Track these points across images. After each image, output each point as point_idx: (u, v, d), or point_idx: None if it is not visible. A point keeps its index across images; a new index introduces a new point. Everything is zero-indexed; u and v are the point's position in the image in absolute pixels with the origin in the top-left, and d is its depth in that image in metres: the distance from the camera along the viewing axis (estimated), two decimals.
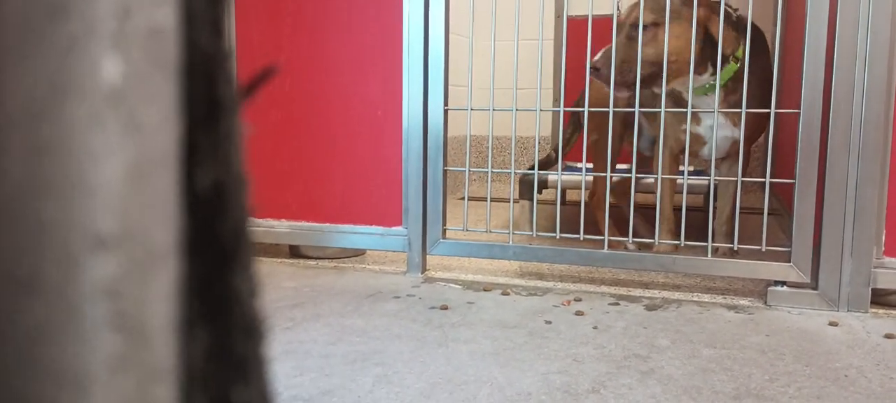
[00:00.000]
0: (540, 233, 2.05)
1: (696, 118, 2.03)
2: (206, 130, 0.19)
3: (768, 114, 1.85)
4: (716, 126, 1.95)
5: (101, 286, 0.14)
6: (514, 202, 2.12)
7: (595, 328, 1.58)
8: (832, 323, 1.65)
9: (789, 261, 1.79)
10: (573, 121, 2.49)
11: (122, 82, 0.14)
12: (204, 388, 0.18)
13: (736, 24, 1.95)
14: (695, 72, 1.94)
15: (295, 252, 2.31)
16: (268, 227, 2.22)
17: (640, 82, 1.90)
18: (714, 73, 1.95)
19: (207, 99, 0.19)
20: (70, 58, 0.14)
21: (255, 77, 0.25)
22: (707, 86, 1.96)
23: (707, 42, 1.93)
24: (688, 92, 1.95)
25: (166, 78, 0.16)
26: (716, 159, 2.02)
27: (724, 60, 1.93)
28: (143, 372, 0.14)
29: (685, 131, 2.02)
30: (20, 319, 0.13)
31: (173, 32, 0.16)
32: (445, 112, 2.04)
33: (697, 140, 2.05)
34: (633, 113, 2.03)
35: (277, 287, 1.90)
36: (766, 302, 1.80)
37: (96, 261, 0.14)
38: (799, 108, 1.77)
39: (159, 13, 0.16)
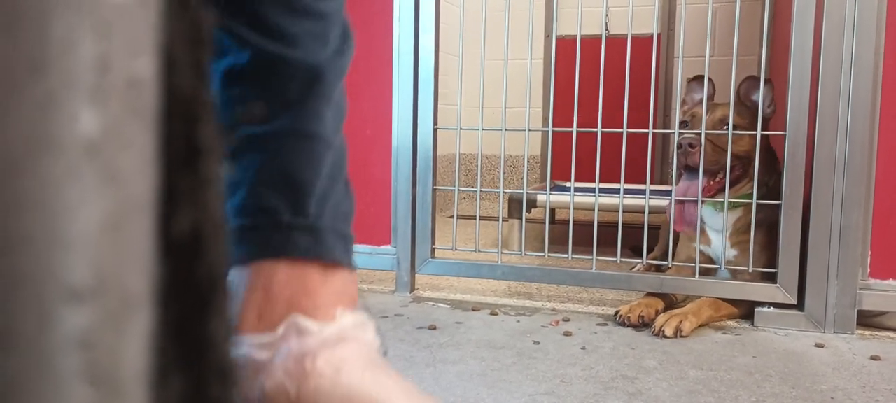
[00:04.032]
0: (528, 253, 2.06)
1: (705, 237, 1.96)
2: (184, 175, 0.19)
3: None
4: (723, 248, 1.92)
5: (75, 337, 0.14)
6: (503, 221, 2.12)
7: (583, 348, 1.58)
8: (818, 345, 1.65)
9: (776, 282, 1.80)
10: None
11: (100, 135, 0.15)
12: None
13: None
14: (735, 184, 1.90)
15: None
16: None
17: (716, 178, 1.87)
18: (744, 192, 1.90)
19: (187, 144, 0.19)
20: (48, 113, 0.14)
21: (236, 117, 0.25)
22: (720, 204, 1.90)
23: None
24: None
25: (144, 128, 0.16)
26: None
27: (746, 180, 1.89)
28: None
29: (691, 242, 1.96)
30: None
31: (152, 82, 0.16)
32: (435, 131, 2.05)
33: (706, 258, 1.97)
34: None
35: None
36: (752, 323, 1.81)
37: (70, 313, 0.14)
38: (784, 131, 1.78)
39: (138, 64, 0.16)
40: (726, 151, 1.84)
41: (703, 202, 1.88)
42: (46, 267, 0.14)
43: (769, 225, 1.86)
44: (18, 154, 0.13)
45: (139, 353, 0.16)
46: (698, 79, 2.00)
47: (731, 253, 1.92)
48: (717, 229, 1.94)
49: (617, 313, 1.79)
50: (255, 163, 0.31)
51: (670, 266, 1.99)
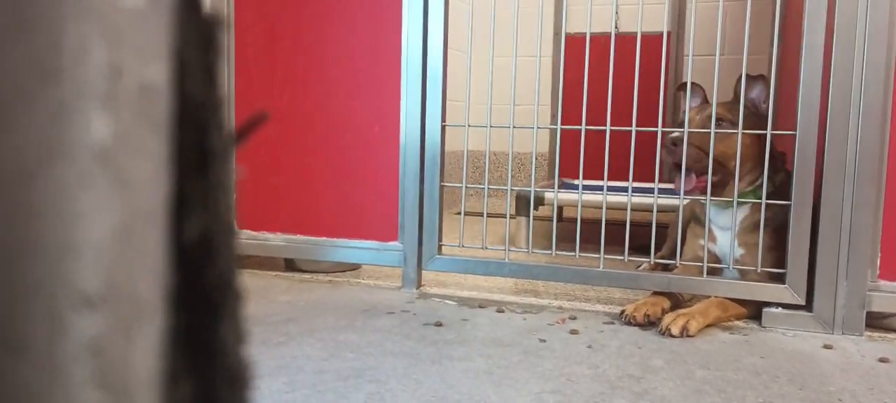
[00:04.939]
0: (535, 250, 2.06)
1: (711, 236, 1.95)
2: (195, 180, 0.19)
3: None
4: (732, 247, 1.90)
5: (86, 344, 0.14)
6: (510, 218, 2.12)
7: (589, 347, 1.58)
8: (827, 346, 1.65)
9: (784, 283, 1.79)
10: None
11: (112, 141, 0.15)
12: None
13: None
14: (745, 179, 1.89)
15: (290, 265, 2.30)
16: (263, 240, 2.22)
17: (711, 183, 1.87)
18: (756, 187, 1.88)
19: (198, 149, 0.19)
20: (60, 120, 0.14)
21: (245, 123, 0.25)
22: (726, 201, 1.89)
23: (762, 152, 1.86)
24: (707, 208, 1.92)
25: (156, 134, 0.16)
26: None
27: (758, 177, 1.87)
28: None
29: (702, 246, 1.96)
30: (4, 380, 0.13)
31: (164, 88, 0.17)
32: (443, 128, 2.05)
33: (712, 257, 1.97)
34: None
35: (272, 301, 1.90)
36: (761, 324, 1.80)
37: (82, 320, 0.14)
38: (794, 130, 1.77)
39: (151, 70, 0.16)
40: (716, 149, 1.85)
41: (711, 200, 1.88)
42: (59, 274, 0.14)
43: (777, 226, 1.85)
44: (31, 162, 0.13)
45: (150, 359, 0.16)
46: (684, 86, 2.02)
47: (739, 252, 1.91)
48: (721, 227, 1.94)
49: (622, 312, 1.79)
50: None
51: (678, 265, 1.98)
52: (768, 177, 1.82)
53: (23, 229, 0.13)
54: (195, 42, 0.20)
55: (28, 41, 0.14)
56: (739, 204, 1.89)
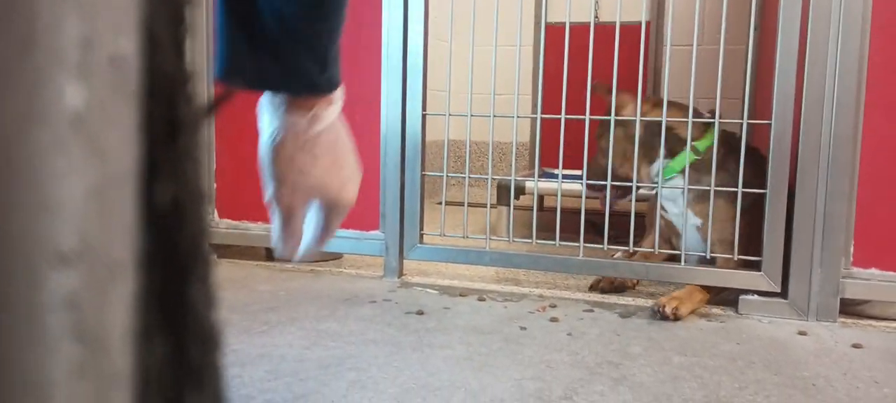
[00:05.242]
0: (516, 239, 2.07)
1: (664, 207, 2.02)
2: (165, 148, 0.20)
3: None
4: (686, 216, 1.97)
5: (63, 298, 0.15)
6: (491, 207, 2.13)
7: (569, 334, 1.60)
8: (801, 332, 1.68)
9: (760, 270, 1.82)
10: None
11: (85, 109, 0.16)
12: (159, 393, 0.19)
13: (697, 114, 1.93)
14: (646, 160, 1.98)
15: (271, 255, 2.30)
16: (244, 229, 2.21)
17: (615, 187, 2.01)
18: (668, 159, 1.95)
19: (167, 119, 0.20)
20: (37, 88, 0.15)
21: (215, 97, 0.26)
22: (666, 168, 1.95)
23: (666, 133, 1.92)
24: (657, 179, 1.98)
25: (127, 102, 0.17)
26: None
27: (681, 147, 1.91)
28: (101, 379, 0.16)
29: (663, 218, 2.03)
30: None
31: (134, 59, 0.17)
32: (424, 117, 2.05)
33: (671, 228, 2.04)
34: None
35: (253, 290, 1.90)
36: (737, 311, 1.83)
37: (58, 275, 0.15)
38: (770, 120, 1.80)
39: (121, 42, 0.17)
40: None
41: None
42: (36, 231, 0.15)
43: (730, 195, 1.88)
44: (9, 126, 0.14)
45: (124, 315, 0.17)
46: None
47: (698, 221, 1.94)
48: (668, 199, 1.97)
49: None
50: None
51: (656, 253, 2.01)
52: (690, 147, 1.89)
53: (2, 189, 0.14)
54: (165, 18, 0.21)
55: (6, 15, 0.15)
56: (674, 175, 1.94)
